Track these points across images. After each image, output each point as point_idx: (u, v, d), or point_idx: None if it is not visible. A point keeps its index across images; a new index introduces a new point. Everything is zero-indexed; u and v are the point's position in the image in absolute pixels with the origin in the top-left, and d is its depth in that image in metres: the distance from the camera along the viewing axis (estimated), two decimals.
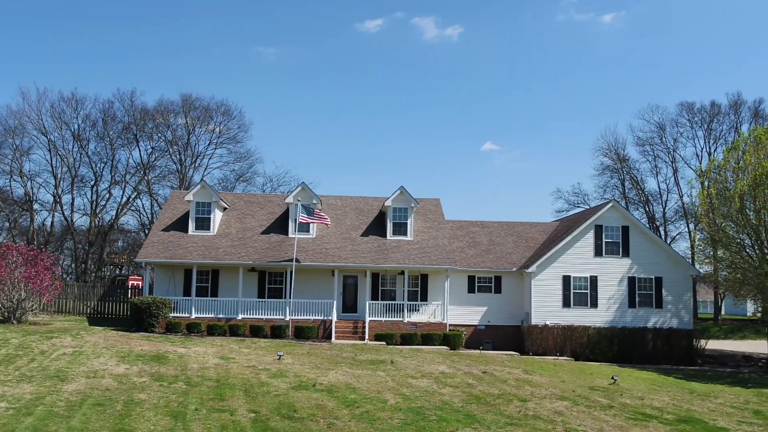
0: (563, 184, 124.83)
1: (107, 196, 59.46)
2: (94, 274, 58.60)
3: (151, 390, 15.37)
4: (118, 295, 32.64)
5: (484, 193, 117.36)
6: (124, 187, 59.54)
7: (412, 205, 31.74)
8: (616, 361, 28.33)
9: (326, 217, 29.67)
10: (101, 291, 32.90)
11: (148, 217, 61.30)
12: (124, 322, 29.78)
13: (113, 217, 59.97)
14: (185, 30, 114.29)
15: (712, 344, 36.35)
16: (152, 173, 59.75)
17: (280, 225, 32.23)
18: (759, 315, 62.62)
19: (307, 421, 13.46)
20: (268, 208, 33.70)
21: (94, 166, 58.16)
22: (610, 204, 31.89)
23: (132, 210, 61.43)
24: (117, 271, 66.42)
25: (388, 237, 31.68)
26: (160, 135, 59.78)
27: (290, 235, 31.11)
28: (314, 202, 31.01)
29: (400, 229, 31.80)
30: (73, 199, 57.90)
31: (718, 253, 31.07)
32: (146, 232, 61.02)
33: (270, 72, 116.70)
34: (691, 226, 55.54)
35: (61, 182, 57.07)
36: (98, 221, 59.29)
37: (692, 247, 52.15)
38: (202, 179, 56.42)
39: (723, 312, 61.59)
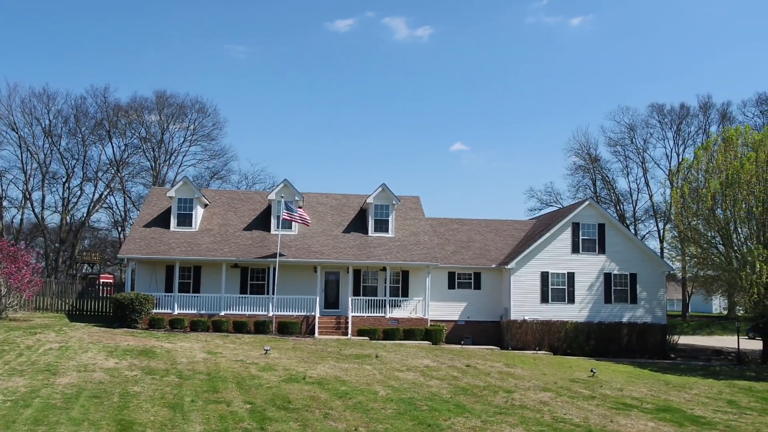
0: (536, 184, 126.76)
1: (79, 193, 58.73)
2: (64, 273, 57.75)
3: (145, 383, 15.43)
4: (90, 293, 32.39)
5: (456, 192, 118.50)
6: (96, 184, 58.82)
7: (394, 202, 32.06)
8: (592, 355, 29.04)
9: (307, 216, 29.80)
10: (79, 288, 32.61)
11: (120, 215, 60.62)
12: (104, 318, 29.58)
13: (84, 215, 59.19)
14: (156, 26, 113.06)
15: (682, 339, 37.48)
16: (125, 170, 59.12)
17: (262, 222, 32.28)
18: (725, 312, 64.59)
19: (303, 412, 13.69)
20: (250, 205, 33.72)
21: (65, 162, 57.42)
22: (587, 202, 32.67)
23: (104, 207, 60.73)
24: (86, 269, 65.47)
25: (370, 234, 31.97)
26: (133, 132, 59.20)
27: (273, 231, 31.20)
28: (296, 198, 31.14)
29: (382, 226, 32.12)
30: (43, 196, 57.11)
31: (689, 250, 31.95)
32: (119, 229, 60.35)
33: (241, 70, 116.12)
34: (661, 225, 56.98)
35: (32, 179, 56.21)
36: (70, 219, 58.42)
37: (661, 243, 53.55)
38: (177, 175, 56.28)
39: (690, 309, 63.26)
